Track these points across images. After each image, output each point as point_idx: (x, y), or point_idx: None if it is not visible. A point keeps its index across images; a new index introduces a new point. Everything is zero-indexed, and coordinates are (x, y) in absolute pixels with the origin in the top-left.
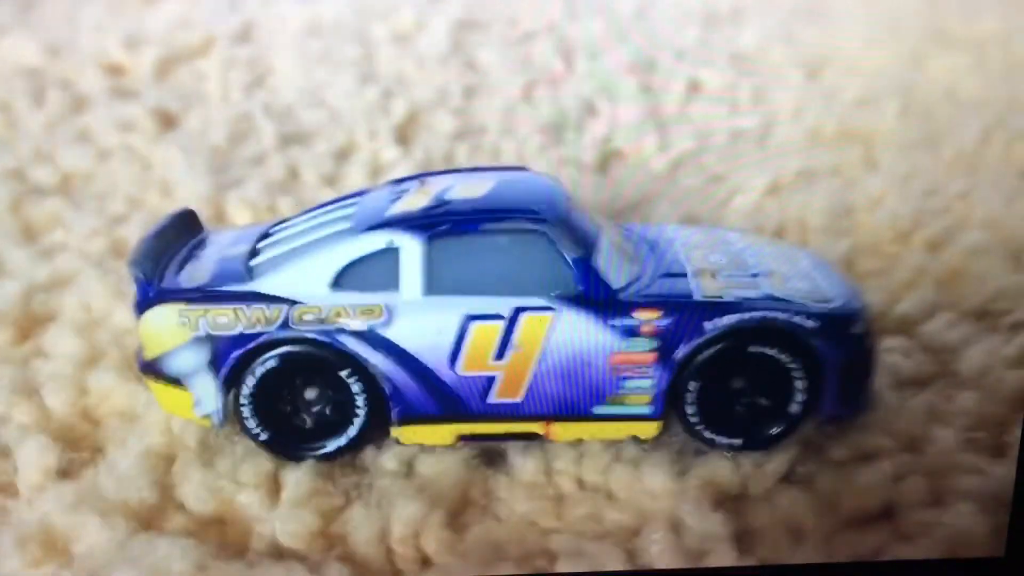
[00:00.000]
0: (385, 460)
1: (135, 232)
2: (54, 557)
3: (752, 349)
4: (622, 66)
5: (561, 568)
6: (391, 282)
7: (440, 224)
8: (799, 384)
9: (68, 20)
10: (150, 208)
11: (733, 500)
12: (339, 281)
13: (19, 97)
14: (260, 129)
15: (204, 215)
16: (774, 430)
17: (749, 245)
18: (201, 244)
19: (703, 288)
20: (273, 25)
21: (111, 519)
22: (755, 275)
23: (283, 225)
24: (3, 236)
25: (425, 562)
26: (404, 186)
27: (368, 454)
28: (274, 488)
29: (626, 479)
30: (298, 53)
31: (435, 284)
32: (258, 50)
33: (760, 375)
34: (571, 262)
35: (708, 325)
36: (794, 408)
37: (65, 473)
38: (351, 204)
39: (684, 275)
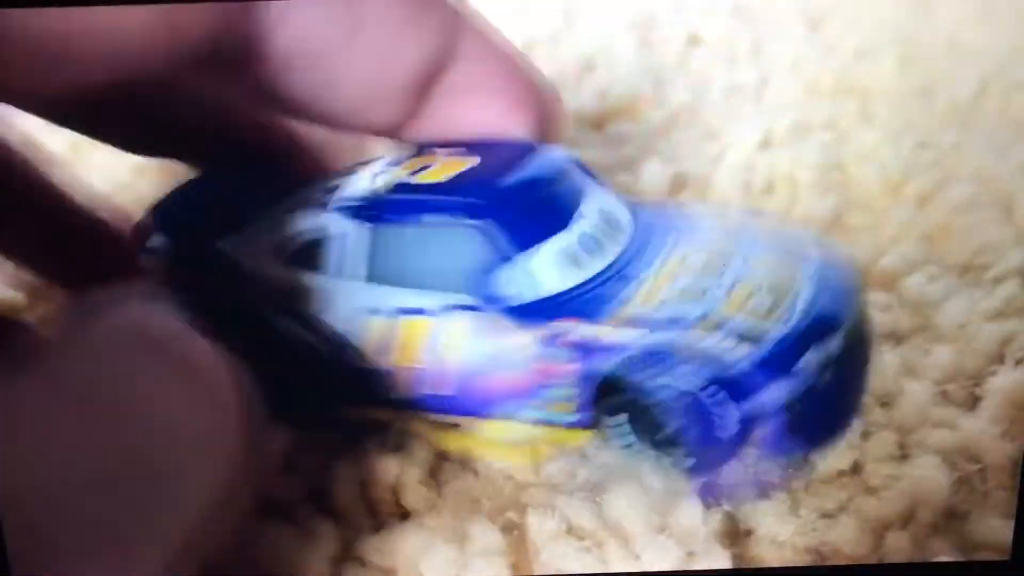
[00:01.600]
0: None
1: None
2: None
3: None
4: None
5: (531, 521)
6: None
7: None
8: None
9: None
10: None
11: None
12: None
13: None
14: None
15: None
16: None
17: (744, 254)
18: None
19: (637, 305)
20: None
21: None
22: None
23: None
24: None
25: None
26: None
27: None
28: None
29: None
30: None
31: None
32: None
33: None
34: (500, 258)
35: (621, 355)
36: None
37: None
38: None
39: (628, 282)
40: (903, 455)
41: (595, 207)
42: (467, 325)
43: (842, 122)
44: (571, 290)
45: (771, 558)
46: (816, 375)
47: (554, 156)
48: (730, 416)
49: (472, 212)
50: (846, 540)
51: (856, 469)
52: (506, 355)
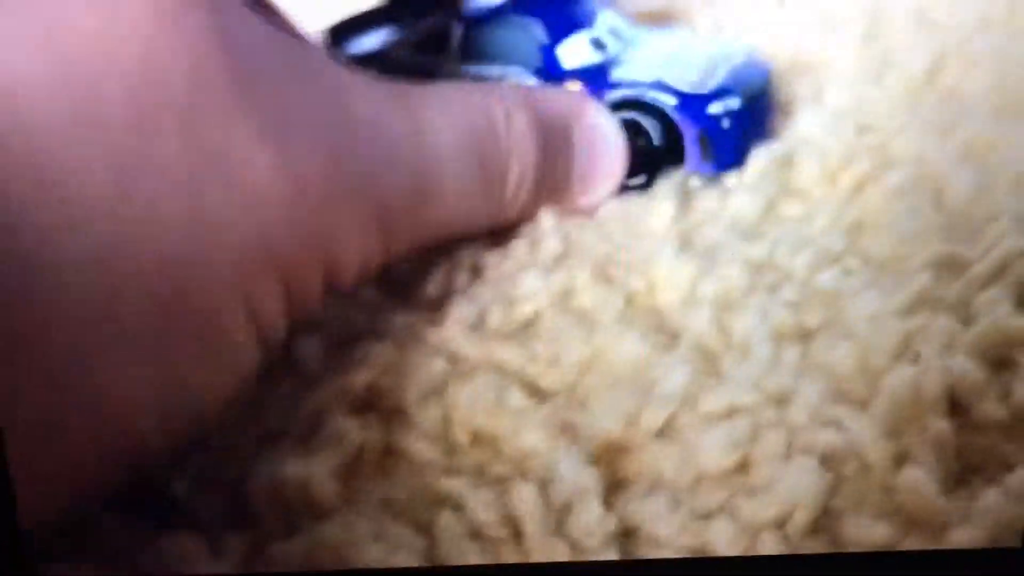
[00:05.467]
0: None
1: None
2: None
3: (628, 115)
4: None
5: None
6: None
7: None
8: (660, 142)
9: None
10: None
11: (612, 453)
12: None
13: None
14: None
15: None
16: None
17: (698, 50)
18: None
19: (618, 73)
20: None
21: None
22: (664, 64)
23: None
24: None
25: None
26: None
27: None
28: None
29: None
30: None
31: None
32: None
33: (642, 135)
34: (540, 47)
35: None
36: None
37: None
38: None
39: (619, 63)
40: (789, 455)
41: (605, 22)
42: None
43: (794, 103)
44: (580, 67)
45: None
46: (718, 119)
47: None
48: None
49: (528, 12)
50: (722, 540)
51: (741, 468)
52: None
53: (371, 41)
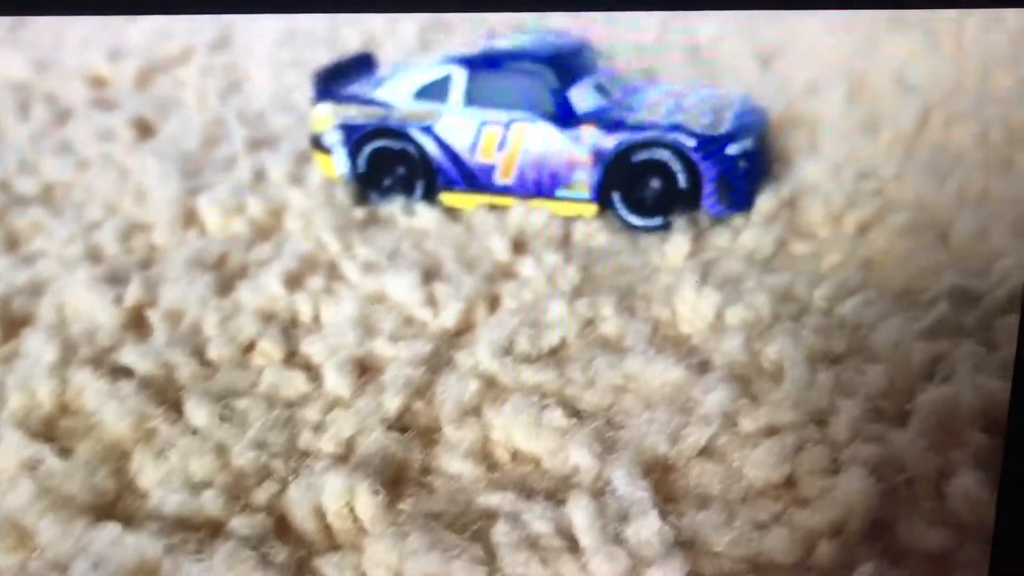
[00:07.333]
0: (323, 443)
1: (109, 237)
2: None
3: (650, 156)
4: None
5: (499, 528)
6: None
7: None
8: (683, 182)
9: (55, 37)
10: (125, 214)
11: (659, 470)
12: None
13: (6, 111)
14: (232, 133)
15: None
16: (674, 209)
17: (700, 96)
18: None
19: (634, 118)
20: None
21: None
22: (675, 109)
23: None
24: None
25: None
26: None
27: (305, 437)
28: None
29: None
30: (271, 60)
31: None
32: (234, 57)
33: (661, 176)
34: (552, 92)
35: (624, 139)
36: (684, 196)
37: (34, 466)
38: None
39: (629, 108)
40: (835, 469)
41: (603, 70)
42: (525, 131)
43: (790, 153)
44: (592, 110)
45: (708, 568)
46: (736, 160)
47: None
48: (684, 174)
49: (538, 60)
50: (779, 550)
51: (789, 482)
52: (549, 149)
53: (363, 89)
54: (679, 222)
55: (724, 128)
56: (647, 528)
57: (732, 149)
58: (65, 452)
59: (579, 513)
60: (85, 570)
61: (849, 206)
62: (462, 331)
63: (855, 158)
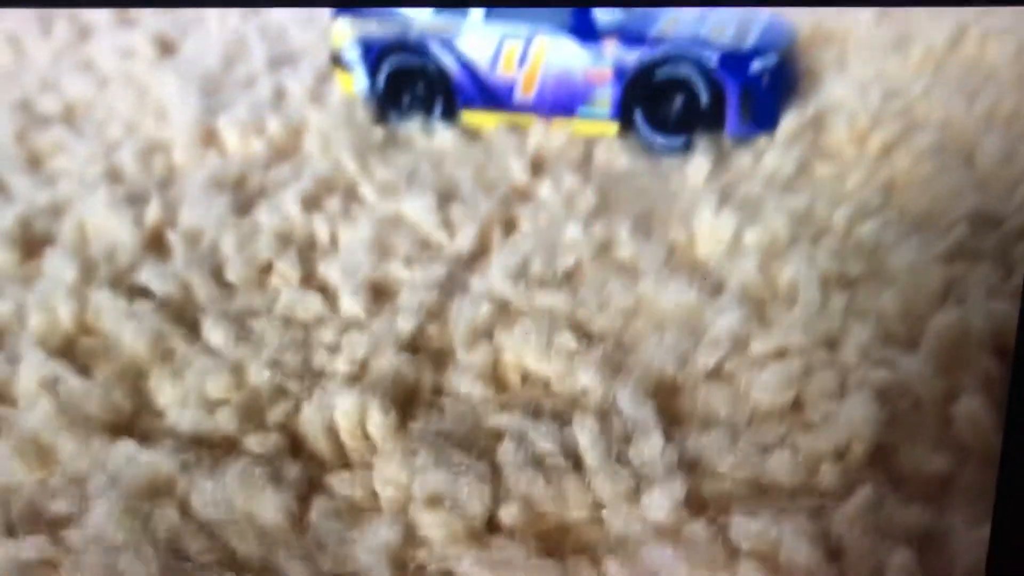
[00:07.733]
0: (338, 364)
1: (129, 157)
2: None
3: (673, 72)
4: None
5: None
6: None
7: None
8: (705, 99)
9: None
10: (145, 133)
11: (665, 392)
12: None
13: (29, 28)
14: (252, 52)
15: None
16: (697, 127)
17: (720, 9)
18: None
19: (657, 29)
20: None
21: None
22: (698, 22)
23: None
24: (9, 164)
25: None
26: None
27: (320, 357)
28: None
29: (562, 369)
30: None
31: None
32: None
33: (684, 93)
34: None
35: (645, 54)
36: (707, 115)
37: (53, 384)
38: None
39: (651, 21)
40: (842, 393)
41: None
42: (547, 45)
43: (820, 71)
44: (614, 22)
45: (711, 489)
46: (760, 77)
47: None
48: (706, 92)
49: None
50: (781, 472)
51: (796, 406)
52: (571, 64)
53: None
54: (701, 143)
55: (748, 43)
56: (650, 448)
57: (756, 65)
58: (84, 371)
59: (584, 433)
60: (102, 485)
61: (874, 126)
62: (477, 254)
63: (884, 76)
